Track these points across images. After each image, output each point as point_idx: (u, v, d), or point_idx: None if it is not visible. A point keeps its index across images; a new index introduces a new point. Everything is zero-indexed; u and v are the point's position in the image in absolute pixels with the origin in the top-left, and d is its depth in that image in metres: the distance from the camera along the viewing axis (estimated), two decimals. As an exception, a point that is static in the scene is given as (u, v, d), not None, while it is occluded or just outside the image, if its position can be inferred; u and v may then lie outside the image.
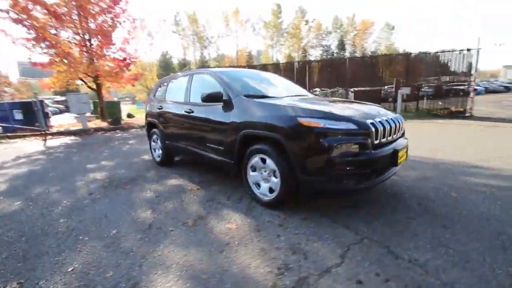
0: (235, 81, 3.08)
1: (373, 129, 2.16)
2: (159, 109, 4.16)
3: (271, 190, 2.52)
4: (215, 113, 3.01)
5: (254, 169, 2.65)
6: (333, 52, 54.55)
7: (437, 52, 11.18)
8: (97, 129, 9.85)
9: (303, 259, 1.77)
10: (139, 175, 3.90)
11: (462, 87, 10.93)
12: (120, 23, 11.32)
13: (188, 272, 1.70)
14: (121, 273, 1.70)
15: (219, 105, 2.97)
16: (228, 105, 2.85)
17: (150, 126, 4.57)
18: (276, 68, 13.92)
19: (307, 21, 34.99)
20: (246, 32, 48.10)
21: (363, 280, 1.55)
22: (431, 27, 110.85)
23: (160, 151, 4.29)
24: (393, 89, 11.43)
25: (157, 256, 1.88)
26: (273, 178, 2.47)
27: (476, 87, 10.99)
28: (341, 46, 54.91)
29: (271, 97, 2.92)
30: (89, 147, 6.46)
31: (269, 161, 2.44)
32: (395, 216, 2.31)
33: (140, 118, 13.20)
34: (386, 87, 12.16)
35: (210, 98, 2.86)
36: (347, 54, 52.06)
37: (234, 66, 21.49)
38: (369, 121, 2.18)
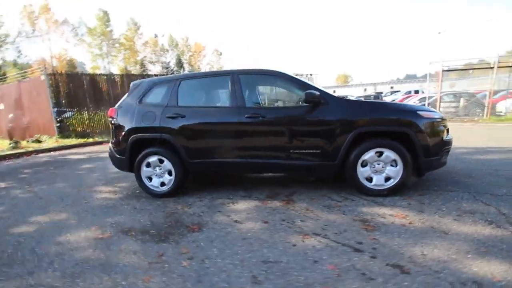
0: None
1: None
2: (174, 118, 3.03)
3: (387, 179, 2.78)
4: (301, 115, 2.81)
5: (364, 164, 2.79)
6: (172, 69, 55.17)
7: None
8: None
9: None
10: (169, 214, 2.69)
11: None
12: None
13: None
14: None
15: (301, 107, 2.82)
16: (321, 106, 2.77)
17: (139, 144, 3.15)
18: (111, 80, 11.05)
19: (156, 35, 32.84)
20: (64, 35, 38.14)
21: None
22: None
23: (170, 177, 3.11)
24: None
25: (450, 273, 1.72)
26: (390, 168, 2.74)
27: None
28: (180, 64, 56.72)
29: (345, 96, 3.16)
30: None
31: (388, 152, 2.70)
32: (452, 179, 3.28)
33: None
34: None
35: (312, 99, 2.67)
36: (186, 72, 54.47)
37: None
38: (440, 113, 3.05)
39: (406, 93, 20.73)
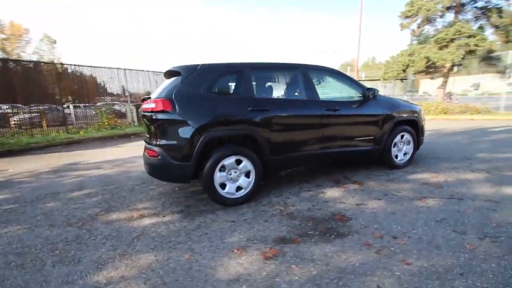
0: None
1: None
2: (259, 110, 2.64)
3: (404, 155, 3.78)
4: (360, 108, 3.31)
5: (394, 145, 3.65)
6: (-31, 55, 37.40)
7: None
8: None
9: None
10: (286, 215, 2.43)
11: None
12: None
13: None
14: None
15: (359, 101, 3.35)
16: (371, 100, 3.38)
17: (211, 144, 2.51)
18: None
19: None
20: None
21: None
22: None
23: (248, 179, 2.72)
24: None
25: None
26: (407, 146, 3.76)
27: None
28: (-17, 49, 39.41)
29: None
30: None
31: (407, 135, 3.70)
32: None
33: None
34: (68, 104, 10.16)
35: (375, 94, 3.25)
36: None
37: None
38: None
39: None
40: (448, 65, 12.65)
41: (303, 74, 3.07)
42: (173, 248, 1.98)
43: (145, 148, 2.71)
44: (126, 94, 11.15)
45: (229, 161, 2.61)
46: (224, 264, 1.77)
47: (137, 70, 11.20)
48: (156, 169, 2.58)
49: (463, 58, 11.67)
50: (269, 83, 3.13)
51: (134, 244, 2.06)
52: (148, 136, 2.68)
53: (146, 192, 3.25)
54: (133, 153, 5.86)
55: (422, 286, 1.49)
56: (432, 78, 14.88)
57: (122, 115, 11.66)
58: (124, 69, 10.73)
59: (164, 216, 2.55)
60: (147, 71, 11.64)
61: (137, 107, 11.53)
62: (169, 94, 2.50)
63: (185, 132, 2.46)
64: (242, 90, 2.73)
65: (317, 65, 3.27)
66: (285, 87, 3.18)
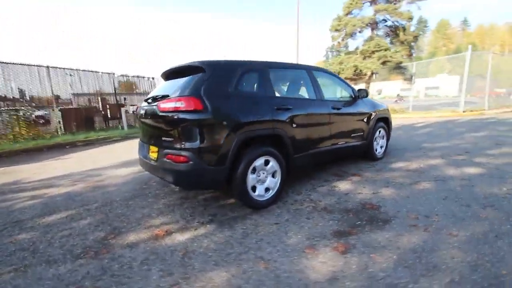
0: None
1: None
2: (284, 110, 2.60)
3: (381, 148, 4.31)
4: (353, 107, 3.64)
5: (375, 140, 4.13)
6: None
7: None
8: None
9: (423, 156, 4.44)
10: (322, 210, 2.48)
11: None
12: None
13: None
14: None
15: (352, 100, 3.69)
16: (359, 100, 3.76)
17: (243, 145, 2.36)
18: None
19: None
20: None
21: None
22: None
23: (274, 179, 2.66)
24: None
25: None
26: (382, 141, 4.31)
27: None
28: None
29: None
30: None
31: (383, 131, 4.25)
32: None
33: None
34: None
35: (366, 95, 3.60)
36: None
37: None
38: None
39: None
40: (369, 73, 14.99)
41: (309, 75, 3.20)
42: (239, 260, 1.80)
43: (165, 154, 2.34)
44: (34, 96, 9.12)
45: (260, 162, 2.51)
46: (308, 266, 1.70)
47: (64, 68, 9.43)
48: (187, 176, 2.25)
49: (381, 68, 14.08)
50: (284, 82, 3.15)
51: (189, 264, 1.78)
52: (170, 140, 2.32)
53: (148, 206, 2.81)
54: (88, 165, 4.94)
55: (479, 251, 1.77)
56: (355, 84, 17.38)
57: (44, 122, 9.62)
58: (47, 66, 8.89)
59: (196, 229, 2.26)
60: (76, 69, 9.93)
61: (64, 112, 9.75)
62: (196, 92, 2.24)
63: (219, 132, 2.25)
64: (266, 89, 2.67)
65: (318, 67, 3.47)
66: (297, 86, 3.25)
